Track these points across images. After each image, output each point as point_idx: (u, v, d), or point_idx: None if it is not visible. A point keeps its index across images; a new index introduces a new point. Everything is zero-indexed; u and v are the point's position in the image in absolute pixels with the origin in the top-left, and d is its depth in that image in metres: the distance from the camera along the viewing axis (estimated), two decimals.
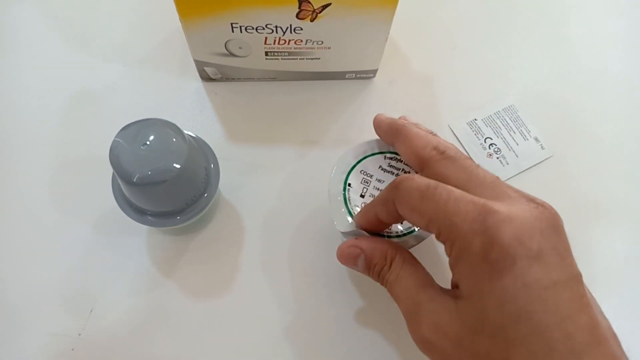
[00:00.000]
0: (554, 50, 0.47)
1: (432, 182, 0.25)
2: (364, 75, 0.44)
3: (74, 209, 0.39)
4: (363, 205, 0.32)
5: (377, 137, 0.34)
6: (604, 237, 0.41)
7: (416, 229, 0.31)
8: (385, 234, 0.31)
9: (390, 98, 0.44)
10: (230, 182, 0.40)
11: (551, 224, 0.24)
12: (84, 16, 0.46)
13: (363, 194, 0.32)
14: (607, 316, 0.25)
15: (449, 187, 0.25)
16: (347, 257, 0.30)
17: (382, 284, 0.29)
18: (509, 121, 0.43)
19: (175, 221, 0.33)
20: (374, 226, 0.30)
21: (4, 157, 0.40)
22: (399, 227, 0.31)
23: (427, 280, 0.27)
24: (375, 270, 0.29)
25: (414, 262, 0.29)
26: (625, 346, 0.24)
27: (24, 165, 0.40)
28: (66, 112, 0.42)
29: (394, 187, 0.27)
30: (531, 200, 0.25)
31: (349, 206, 0.32)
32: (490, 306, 0.23)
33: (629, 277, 0.39)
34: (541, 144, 0.43)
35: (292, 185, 0.41)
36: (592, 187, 0.42)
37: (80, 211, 0.39)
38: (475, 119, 0.43)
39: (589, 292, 0.25)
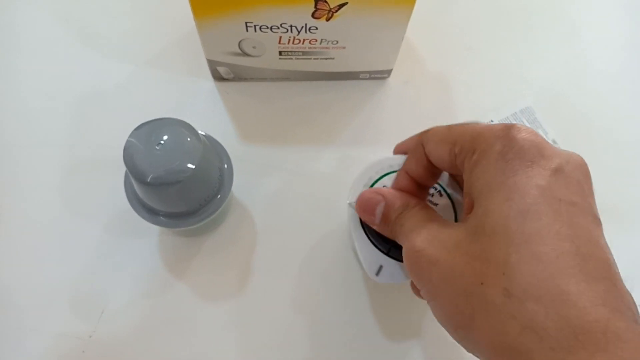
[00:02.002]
0: (570, 52, 0.46)
1: None
2: (379, 76, 0.43)
3: (85, 210, 0.38)
4: None
5: (400, 155, 0.32)
6: (622, 241, 0.39)
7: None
8: None
9: (405, 99, 0.43)
10: (242, 183, 0.39)
11: (578, 164, 0.23)
12: (95, 16, 0.45)
13: None
14: None
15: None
16: (366, 203, 0.28)
17: (394, 233, 0.27)
18: (527, 123, 0.42)
19: (188, 222, 0.33)
20: (405, 189, 0.29)
21: (15, 158, 0.40)
22: None
23: (442, 221, 0.26)
24: (392, 217, 0.27)
25: (435, 213, 0.27)
26: None
27: (35, 166, 0.40)
28: (78, 112, 0.42)
29: (423, 132, 0.27)
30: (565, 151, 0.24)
31: None
32: (497, 202, 0.21)
33: None
34: (559, 146, 0.42)
35: (305, 186, 0.40)
36: (609, 190, 0.41)
37: (91, 212, 0.38)
38: (492, 121, 0.43)
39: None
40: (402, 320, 0.37)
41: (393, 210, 0.27)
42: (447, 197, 0.31)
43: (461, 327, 0.22)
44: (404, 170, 0.29)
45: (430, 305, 0.24)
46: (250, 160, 0.40)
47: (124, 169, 0.33)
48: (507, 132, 0.23)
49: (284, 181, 0.40)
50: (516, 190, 0.21)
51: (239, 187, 0.39)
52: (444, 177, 0.31)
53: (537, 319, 0.19)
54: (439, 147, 0.26)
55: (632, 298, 0.20)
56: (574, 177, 0.22)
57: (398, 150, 0.32)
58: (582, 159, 0.23)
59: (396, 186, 0.29)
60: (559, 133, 0.42)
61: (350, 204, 0.32)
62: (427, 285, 0.23)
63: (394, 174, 0.32)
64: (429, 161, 0.27)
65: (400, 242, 0.27)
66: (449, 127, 0.26)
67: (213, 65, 0.41)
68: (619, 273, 0.20)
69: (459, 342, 0.22)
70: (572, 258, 0.19)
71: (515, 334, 0.19)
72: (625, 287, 0.20)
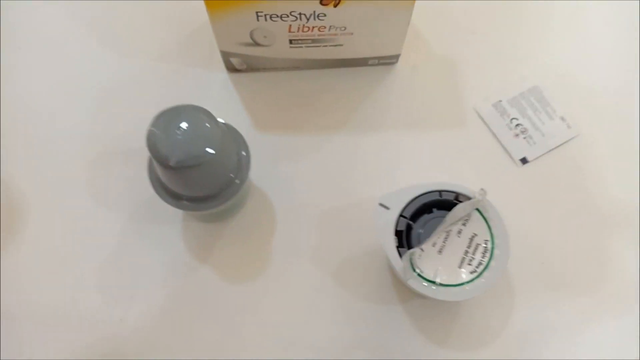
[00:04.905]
0: (574, 30, 0.47)
1: None
2: (387, 61, 0.44)
3: (110, 199, 0.40)
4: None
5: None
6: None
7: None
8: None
9: (414, 83, 0.44)
10: (259, 170, 0.40)
11: None
12: (111, 12, 0.47)
13: None
14: None
15: None
16: None
17: None
18: (534, 101, 0.43)
19: (209, 205, 0.34)
20: None
21: (41, 154, 0.42)
22: (463, 275, 0.32)
23: None
24: None
25: None
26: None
27: (60, 160, 0.41)
28: (97, 106, 0.43)
29: None
30: None
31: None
32: None
33: None
34: (567, 123, 0.43)
35: (319, 171, 0.41)
36: (619, 165, 0.42)
37: (116, 201, 0.40)
38: (500, 100, 0.43)
39: None
40: (424, 306, 0.38)
41: None
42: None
43: None
44: None
45: None
46: (266, 148, 0.42)
47: (145, 158, 0.34)
48: None
49: (298, 167, 0.41)
50: None
51: (256, 174, 0.40)
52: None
53: None
54: None
55: None
56: None
57: None
58: None
59: None
60: (567, 110, 0.43)
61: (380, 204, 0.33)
62: None
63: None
64: None
65: None
66: None
67: (226, 57, 0.42)
68: None
69: None
70: None
71: None
72: None
